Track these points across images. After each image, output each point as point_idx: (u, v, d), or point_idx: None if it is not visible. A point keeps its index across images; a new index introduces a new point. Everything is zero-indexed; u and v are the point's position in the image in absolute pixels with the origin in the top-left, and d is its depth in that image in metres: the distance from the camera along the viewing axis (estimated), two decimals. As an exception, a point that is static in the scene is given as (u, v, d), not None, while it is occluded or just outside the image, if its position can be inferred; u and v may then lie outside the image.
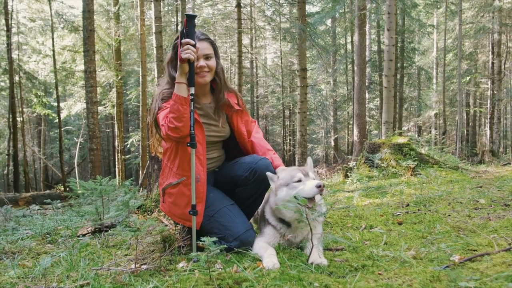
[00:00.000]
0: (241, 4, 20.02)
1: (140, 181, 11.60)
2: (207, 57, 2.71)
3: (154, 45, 12.63)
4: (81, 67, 16.67)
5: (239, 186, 2.83)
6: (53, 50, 16.77)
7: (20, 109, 18.40)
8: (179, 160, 2.69)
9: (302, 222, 2.37)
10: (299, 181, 2.48)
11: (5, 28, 15.28)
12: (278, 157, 2.96)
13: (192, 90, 2.53)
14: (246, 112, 3.07)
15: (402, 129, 19.34)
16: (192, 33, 2.50)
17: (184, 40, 2.48)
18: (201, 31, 2.73)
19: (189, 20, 2.49)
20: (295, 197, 2.29)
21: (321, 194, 2.40)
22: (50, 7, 16.61)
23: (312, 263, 2.20)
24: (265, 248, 2.39)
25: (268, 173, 2.64)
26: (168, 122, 2.51)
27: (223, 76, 2.89)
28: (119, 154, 18.57)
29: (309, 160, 2.76)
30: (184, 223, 2.75)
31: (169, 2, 21.30)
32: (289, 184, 2.50)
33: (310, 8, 21.47)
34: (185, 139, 2.56)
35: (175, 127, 2.49)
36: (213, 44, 2.76)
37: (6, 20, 14.93)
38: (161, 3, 12.74)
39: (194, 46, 2.48)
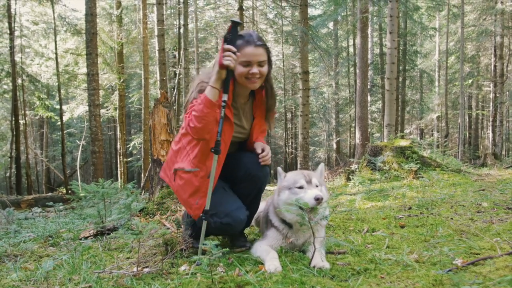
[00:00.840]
0: (243, 7, 20.06)
1: (142, 184, 11.60)
2: (260, 64, 2.61)
3: (157, 48, 12.66)
4: (84, 70, 16.75)
5: (234, 184, 2.84)
6: (56, 53, 16.82)
7: (23, 111, 18.45)
8: (199, 151, 2.64)
9: (304, 225, 2.37)
10: (301, 187, 2.50)
11: (8, 31, 15.34)
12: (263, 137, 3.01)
13: (225, 97, 2.49)
14: (265, 123, 3.01)
15: (404, 132, 19.34)
16: (235, 39, 2.46)
17: (226, 46, 2.43)
18: (258, 35, 2.64)
19: (234, 26, 2.45)
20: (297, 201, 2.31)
21: (318, 206, 2.41)
22: (53, 10, 16.67)
23: (314, 267, 2.20)
24: (267, 251, 2.39)
25: (278, 168, 2.74)
26: (189, 119, 2.51)
27: (272, 83, 2.85)
28: (121, 157, 18.59)
29: (320, 166, 2.74)
30: (186, 209, 2.77)
31: (172, 5, 21.38)
32: (292, 189, 2.52)
33: (312, 11, 21.54)
34: (205, 138, 2.55)
35: (194, 127, 2.47)
36: (267, 50, 2.68)
37: (9, 23, 14.99)
38: (164, 6, 12.79)
39: (235, 53, 2.43)
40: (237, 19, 2.47)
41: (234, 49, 2.42)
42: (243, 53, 2.52)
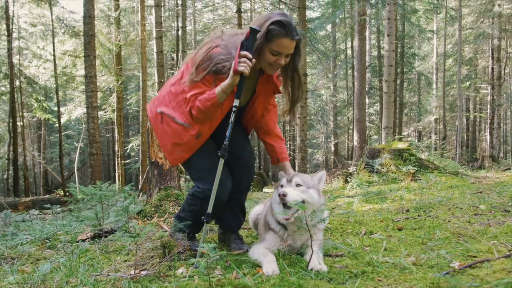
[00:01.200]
0: (242, 10, 20.09)
1: (140, 186, 11.58)
2: (287, 56, 2.56)
3: (155, 50, 12.66)
4: (82, 72, 16.70)
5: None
6: (54, 55, 16.81)
7: (21, 113, 18.42)
8: None
9: (301, 228, 2.38)
10: (282, 186, 2.54)
11: (6, 33, 15.33)
12: (286, 151, 2.98)
13: (236, 102, 2.49)
14: (273, 98, 2.98)
15: (402, 134, 19.34)
16: (252, 46, 2.43)
17: (242, 52, 2.41)
18: (295, 26, 2.50)
19: (252, 33, 2.42)
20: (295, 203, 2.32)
21: (283, 203, 2.42)
22: (51, 12, 16.65)
23: (312, 269, 2.20)
24: (265, 254, 2.39)
25: (281, 173, 2.77)
26: (191, 106, 2.54)
27: (301, 74, 2.78)
28: (119, 159, 18.56)
29: (320, 174, 2.70)
30: (165, 153, 2.80)
31: (170, 8, 21.39)
32: (277, 188, 2.59)
33: (310, 14, 21.57)
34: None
35: (196, 116, 2.53)
36: (298, 42, 2.57)
37: (7, 25, 14.97)
38: (162, 9, 12.79)
39: (250, 60, 2.41)
40: (256, 26, 2.44)
41: (250, 55, 2.41)
42: (277, 42, 2.46)
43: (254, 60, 2.44)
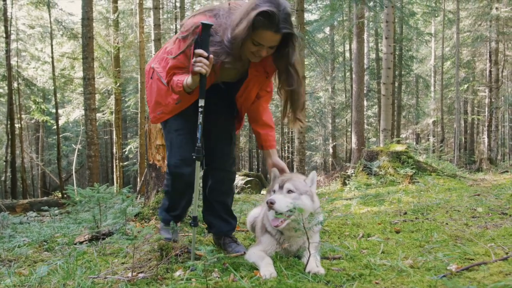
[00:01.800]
0: (240, 12, 20.06)
1: (138, 188, 11.57)
2: (271, 47, 2.39)
3: (153, 52, 12.67)
4: (80, 74, 16.69)
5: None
6: (52, 57, 16.79)
7: (19, 115, 18.38)
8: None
9: (298, 231, 2.37)
10: (274, 191, 2.50)
11: (4, 35, 15.31)
12: (273, 139, 2.90)
13: (202, 102, 2.42)
14: (270, 83, 2.81)
15: (400, 136, 19.39)
16: (207, 43, 2.32)
17: (197, 51, 2.31)
18: (284, 17, 2.29)
19: (204, 29, 2.31)
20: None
21: (272, 209, 2.40)
22: (50, 14, 16.66)
23: (309, 272, 2.20)
24: (262, 257, 2.39)
25: (274, 170, 2.72)
26: (169, 79, 2.52)
27: (298, 69, 2.52)
28: (117, 161, 18.54)
29: (311, 174, 2.62)
30: (148, 107, 2.82)
31: (168, 10, 21.42)
32: (269, 192, 2.58)
33: (308, 16, 21.56)
34: None
35: (171, 90, 2.56)
36: (287, 35, 2.36)
37: (5, 27, 14.96)
38: (160, 11, 12.81)
39: (207, 58, 2.31)
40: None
41: (205, 53, 2.30)
42: (259, 33, 2.29)
43: (211, 56, 2.32)
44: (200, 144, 2.42)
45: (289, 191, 2.44)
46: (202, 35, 2.32)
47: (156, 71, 2.70)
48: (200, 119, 2.43)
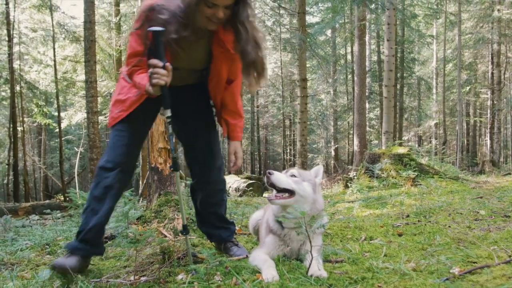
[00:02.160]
0: (242, 15, 20.09)
1: (140, 191, 11.58)
2: (227, 7, 2.28)
3: (155, 55, 12.68)
4: (82, 77, 16.72)
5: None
6: (54, 60, 16.83)
7: (21, 118, 18.43)
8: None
9: (296, 224, 2.38)
10: None
11: (6, 38, 15.36)
12: (240, 130, 2.78)
13: (168, 113, 2.34)
14: (238, 65, 2.56)
15: (402, 139, 19.37)
16: (161, 50, 2.19)
17: (151, 62, 2.20)
18: None
19: (155, 36, 2.18)
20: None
21: (270, 184, 2.45)
22: (52, 18, 16.70)
23: (311, 276, 2.19)
24: (264, 260, 2.39)
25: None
26: (129, 72, 2.42)
27: (251, 27, 2.40)
28: (119, 164, 18.52)
29: (316, 167, 2.66)
30: (109, 116, 2.62)
31: (170, 13, 21.39)
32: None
33: (310, 19, 21.63)
34: None
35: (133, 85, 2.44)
36: None
37: (8, 30, 15.01)
38: (162, 14, 12.80)
39: (164, 67, 2.19)
40: (158, 27, 2.18)
41: (160, 63, 2.18)
42: None
43: (167, 64, 2.21)
44: (175, 154, 2.39)
45: (293, 175, 2.50)
46: (155, 43, 2.20)
47: (122, 72, 2.61)
48: (170, 130, 2.37)
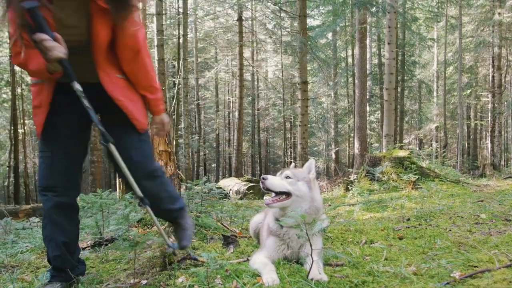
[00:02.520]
0: (243, 18, 20.18)
1: (140, 194, 11.56)
2: None
3: (156, 58, 12.70)
4: (83, 79, 16.72)
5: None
6: (56, 63, 16.87)
7: (22, 121, 18.46)
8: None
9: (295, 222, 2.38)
10: None
11: (8, 41, 15.40)
12: (161, 102, 2.48)
13: (78, 85, 2.05)
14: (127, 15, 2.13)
15: (403, 142, 19.36)
16: (43, 25, 1.92)
17: (37, 37, 1.89)
18: None
19: (32, 12, 1.91)
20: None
21: (266, 189, 2.49)
22: (53, 20, 16.75)
23: (312, 279, 2.19)
24: (264, 264, 2.38)
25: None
26: (16, 63, 2.15)
27: None
28: (120, 166, 18.54)
29: (308, 162, 2.67)
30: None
31: (171, 16, 21.52)
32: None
33: (311, 22, 21.64)
34: None
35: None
36: None
37: (9, 32, 15.04)
38: (163, 17, 12.85)
39: (54, 39, 1.92)
40: (32, 3, 1.90)
41: (47, 36, 1.90)
42: None
43: (56, 35, 1.94)
44: (102, 127, 2.14)
45: (287, 177, 2.53)
46: (34, 20, 1.92)
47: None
48: (86, 103, 2.06)
